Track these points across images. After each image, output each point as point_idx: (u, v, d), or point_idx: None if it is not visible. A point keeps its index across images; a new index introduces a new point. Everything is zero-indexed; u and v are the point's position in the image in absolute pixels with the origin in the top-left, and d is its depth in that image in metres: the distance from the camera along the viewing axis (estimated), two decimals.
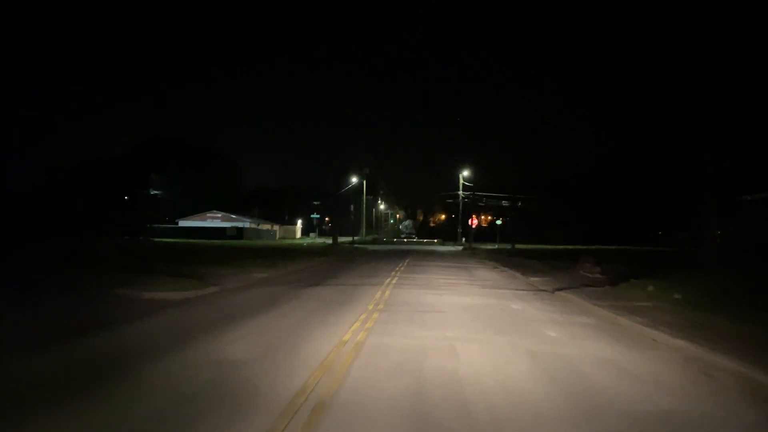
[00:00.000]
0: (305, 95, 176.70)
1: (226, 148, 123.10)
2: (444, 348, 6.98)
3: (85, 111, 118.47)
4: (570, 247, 49.82)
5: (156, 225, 61.24)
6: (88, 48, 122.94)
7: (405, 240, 77.52)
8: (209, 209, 70.60)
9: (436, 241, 71.11)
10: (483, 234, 64.32)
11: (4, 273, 15.16)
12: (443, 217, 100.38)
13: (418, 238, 79.58)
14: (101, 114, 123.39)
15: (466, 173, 60.07)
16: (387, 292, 13.08)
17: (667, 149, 78.48)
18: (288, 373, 5.65)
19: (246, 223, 69.04)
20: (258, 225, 71.70)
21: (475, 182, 60.63)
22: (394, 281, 16.17)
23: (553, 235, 63.90)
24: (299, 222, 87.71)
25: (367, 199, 72.15)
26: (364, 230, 74.02)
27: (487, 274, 21.01)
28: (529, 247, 47.07)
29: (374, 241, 67.82)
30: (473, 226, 55.66)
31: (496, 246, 49.53)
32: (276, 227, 77.56)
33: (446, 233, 77.24)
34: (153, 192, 68.95)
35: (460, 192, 60.57)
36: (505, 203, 67.10)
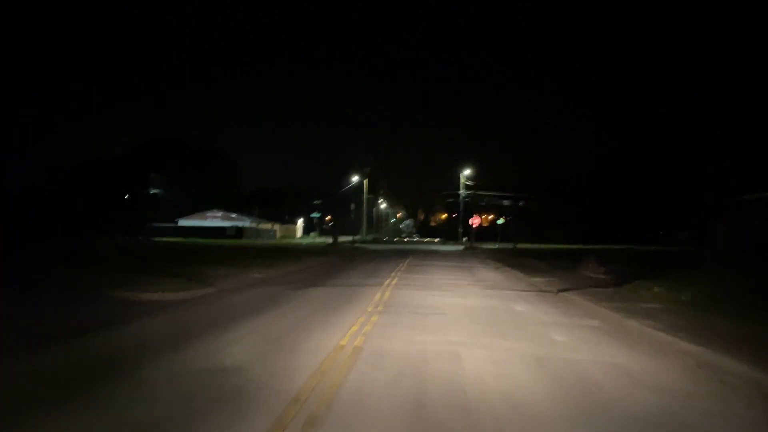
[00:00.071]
0: (305, 95, 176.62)
1: (226, 148, 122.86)
2: (446, 354, 6.63)
3: (85, 111, 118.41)
4: (571, 246, 49.49)
5: (156, 224, 60.95)
6: (88, 48, 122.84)
7: (406, 239, 77.27)
8: (209, 209, 70.29)
9: (437, 240, 70.84)
10: (484, 233, 64.00)
11: (2, 273, 14.94)
12: (444, 216, 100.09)
13: (419, 238, 79.33)
14: (101, 114, 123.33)
15: (467, 172, 59.71)
16: (387, 294, 12.75)
17: (667, 149, 78.23)
18: (281, 381, 5.32)
19: (246, 223, 68.73)
20: (258, 224, 71.39)
21: (476, 182, 60.35)
22: (394, 282, 15.83)
23: (553, 235, 63.63)
24: (299, 221, 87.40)
25: (367, 198, 71.73)
26: (364, 230, 73.59)
27: (489, 274, 20.67)
28: (531, 246, 46.74)
29: (375, 241, 67.49)
30: (474, 226, 55.33)
31: (497, 245, 49.20)
32: (276, 227, 77.25)
33: (447, 233, 76.99)
34: (153, 191, 68.84)
35: (461, 191, 60.20)
36: (506, 202, 66.81)
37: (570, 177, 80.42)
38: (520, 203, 61.98)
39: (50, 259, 20.09)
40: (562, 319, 9.78)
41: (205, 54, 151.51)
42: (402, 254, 33.98)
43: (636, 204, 72.83)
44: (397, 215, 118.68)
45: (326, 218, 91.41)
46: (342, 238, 55.44)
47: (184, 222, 68.09)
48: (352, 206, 68.90)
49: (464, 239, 59.37)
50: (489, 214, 76.22)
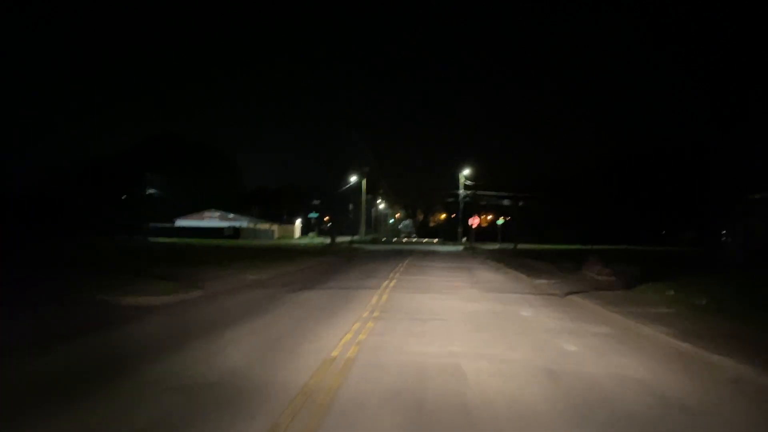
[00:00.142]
0: (305, 95, 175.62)
1: (226, 147, 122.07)
2: (448, 368, 5.98)
3: (85, 111, 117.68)
4: (572, 247, 48.85)
5: (153, 225, 60.38)
6: (88, 48, 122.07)
7: (405, 240, 76.56)
8: (207, 209, 69.66)
9: (436, 240, 70.17)
10: (483, 234, 63.35)
11: None
12: (443, 216, 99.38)
13: (418, 238, 78.67)
14: (101, 114, 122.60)
15: (466, 172, 59.07)
16: (384, 297, 12.10)
17: (668, 149, 77.83)
18: (258, 404, 4.67)
19: (244, 223, 68.06)
20: (255, 225, 70.71)
21: (476, 182, 59.71)
22: (392, 284, 15.19)
23: (553, 235, 63.02)
24: (298, 221, 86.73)
25: (366, 198, 71.19)
26: (363, 230, 72.94)
27: (490, 275, 20.03)
28: (531, 247, 46.08)
29: (373, 241, 66.81)
30: (474, 226, 54.67)
31: (498, 246, 48.54)
32: (274, 227, 76.56)
33: (446, 233, 76.28)
34: (149, 191, 68.15)
35: (461, 191, 59.55)
36: (506, 202, 66.09)
37: (570, 177, 79.93)
38: (520, 203, 61.29)
39: (44, 260, 19.65)
40: (571, 326, 9.14)
41: (205, 54, 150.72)
42: (401, 255, 33.32)
43: (637, 204, 72.33)
44: (396, 215, 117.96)
45: (325, 218, 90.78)
46: (340, 239, 54.78)
47: (181, 222, 67.43)
48: (351, 206, 68.19)
49: (464, 239, 58.72)
50: (488, 215, 75.61)
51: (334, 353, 6.50)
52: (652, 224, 71.46)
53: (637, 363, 6.59)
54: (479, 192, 61.20)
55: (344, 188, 64.03)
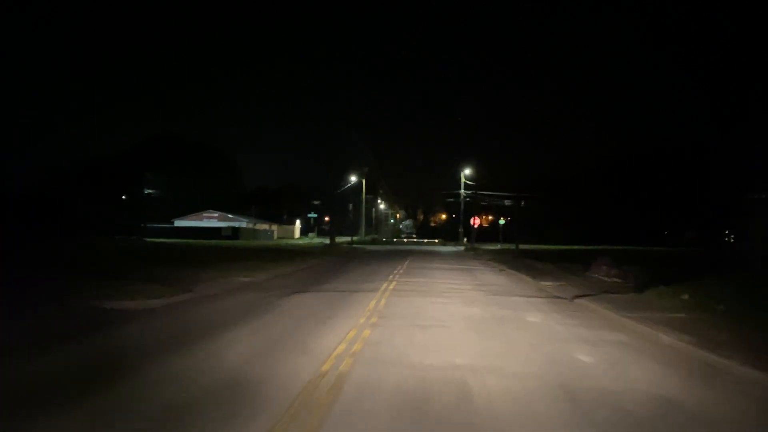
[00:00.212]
0: (305, 95, 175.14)
1: (226, 147, 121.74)
2: (453, 385, 5.32)
3: (85, 111, 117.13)
4: (574, 247, 48.24)
5: (151, 225, 59.79)
6: (88, 48, 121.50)
7: (405, 240, 75.90)
8: (206, 209, 69.03)
9: (437, 241, 69.52)
10: (484, 234, 62.70)
11: None
12: (444, 216, 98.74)
13: (419, 238, 77.98)
14: (101, 114, 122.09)
15: (467, 171, 58.36)
16: (383, 301, 11.43)
17: (668, 149, 77.30)
18: (238, 428, 4.02)
19: (242, 223, 67.41)
20: (255, 225, 70.06)
21: (476, 182, 59.02)
22: (391, 286, 14.53)
23: (554, 236, 62.39)
24: (298, 222, 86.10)
25: (366, 198, 70.58)
26: (363, 230, 72.32)
27: (493, 277, 19.37)
28: (533, 247, 45.39)
29: (374, 241, 66.19)
30: (475, 226, 54.00)
31: (499, 246, 47.89)
32: (274, 227, 75.92)
33: (447, 233, 75.66)
34: (147, 191, 67.57)
35: (462, 191, 58.84)
36: (507, 202, 65.34)
37: (570, 177, 79.43)
38: (522, 203, 60.57)
39: (38, 260, 19.06)
40: (583, 333, 8.48)
41: (205, 54, 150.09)
42: (401, 255, 32.67)
43: (637, 204, 71.83)
44: (397, 215, 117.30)
45: (325, 218, 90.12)
46: (340, 239, 54.17)
47: (180, 222, 66.80)
48: (351, 206, 67.51)
49: (465, 240, 58.06)
50: (489, 215, 74.94)
51: (325, 367, 5.83)
52: (652, 224, 70.93)
53: (661, 377, 5.93)
54: (480, 192, 60.50)
55: (344, 188, 63.37)
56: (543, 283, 16.95)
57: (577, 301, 12.48)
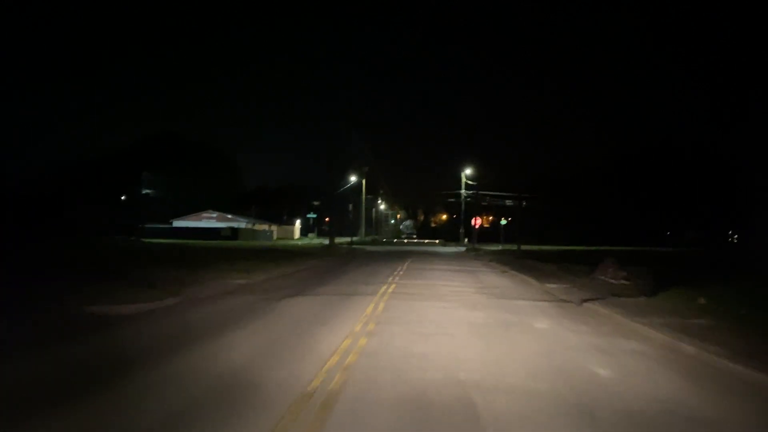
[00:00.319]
0: (305, 95, 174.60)
1: (225, 147, 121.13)
2: (458, 407, 4.68)
3: (85, 110, 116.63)
4: (576, 248, 47.62)
5: (149, 225, 59.22)
6: (88, 48, 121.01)
7: (405, 240, 75.26)
8: (205, 209, 68.45)
9: (437, 241, 68.90)
10: (485, 234, 62.04)
11: None
12: (445, 217, 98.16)
13: (419, 239, 77.36)
14: (101, 114, 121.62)
15: (468, 171, 57.67)
16: (381, 305, 10.81)
17: (669, 148, 76.70)
18: None
19: (242, 224, 66.81)
20: (254, 225, 69.44)
21: (477, 182, 58.37)
22: (390, 289, 13.90)
23: (554, 236, 61.77)
24: (297, 222, 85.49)
25: (366, 198, 69.93)
26: (363, 230, 71.66)
27: (496, 279, 18.74)
28: (535, 248, 44.75)
29: (374, 242, 65.56)
30: (476, 227, 53.35)
31: (500, 247, 47.22)
32: (273, 227, 75.32)
33: (448, 233, 75.08)
34: (145, 191, 66.96)
35: (463, 191, 58.17)
36: (509, 202, 64.70)
37: (571, 177, 78.93)
38: (524, 203, 59.95)
39: (32, 262, 18.49)
40: (597, 341, 7.85)
41: (205, 54, 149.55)
42: (401, 256, 32.04)
43: (639, 204, 71.25)
44: (397, 216, 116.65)
45: (325, 219, 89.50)
46: (340, 239, 53.54)
47: (178, 223, 66.24)
48: (350, 207, 66.89)
49: (466, 240, 57.42)
50: (490, 215, 74.32)
51: (315, 383, 5.21)
52: (653, 224, 70.43)
53: (690, 394, 5.31)
54: (481, 192, 59.84)
55: (344, 188, 62.70)
56: (548, 285, 16.33)
57: (585, 305, 11.84)
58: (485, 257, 33.47)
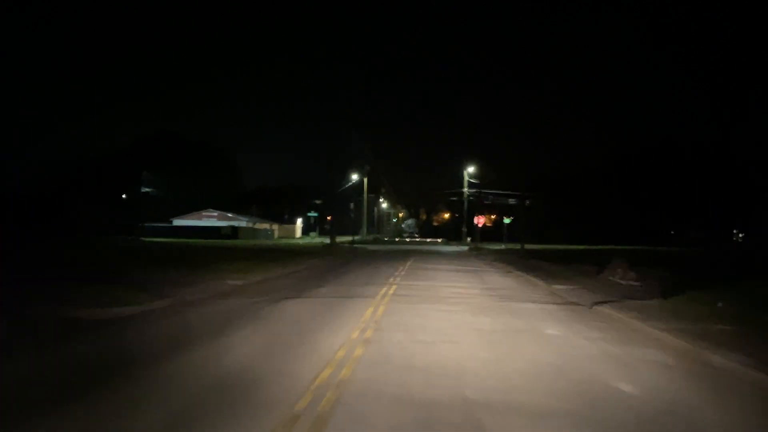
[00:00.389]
0: (305, 95, 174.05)
1: (226, 147, 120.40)
2: (467, 428, 4.08)
3: (84, 110, 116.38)
4: (579, 247, 46.98)
5: (149, 224, 58.73)
6: (88, 48, 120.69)
7: (407, 240, 74.67)
8: (205, 208, 67.95)
9: (440, 240, 68.29)
10: (488, 233, 61.33)
11: None
12: (447, 216, 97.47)
13: (421, 238, 76.77)
14: (101, 114, 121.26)
15: (470, 170, 57.00)
16: (381, 309, 10.19)
17: (671, 147, 75.97)
18: None
19: (242, 223, 66.29)
20: (254, 224, 68.92)
21: (479, 180, 57.72)
22: (391, 291, 13.29)
23: (554, 235, 61.04)
24: (299, 221, 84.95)
25: (368, 197, 69.34)
26: (365, 229, 71.05)
27: (501, 280, 18.11)
28: (539, 247, 44.07)
29: (375, 241, 64.94)
30: (479, 225, 52.72)
31: (503, 246, 46.60)
32: (274, 226, 74.78)
33: (450, 232, 74.45)
34: (144, 190, 66.44)
35: (465, 189, 57.53)
36: (511, 201, 64.04)
37: (571, 176, 78.33)
38: (527, 202, 59.34)
39: (27, 262, 17.97)
40: (614, 350, 7.23)
41: (205, 54, 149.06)
42: (402, 256, 31.42)
43: (640, 203, 70.52)
44: (399, 215, 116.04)
45: (327, 218, 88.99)
46: (341, 238, 52.96)
47: (179, 222, 65.78)
48: (352, 206, 66.31)
49: (468, 239, 56.79)
50: (492, 214, 73.64)
51: (302, 404, 4.60)
52: (655, 223, 69.63)
53: (732, 419, 4.68)
54: (484, 190, 59.17)
55: (345, 187, 62.09)
56: (555, 286, 15.70)
57: (597, 308, 11.22)
58: (488, 257, 32.86)
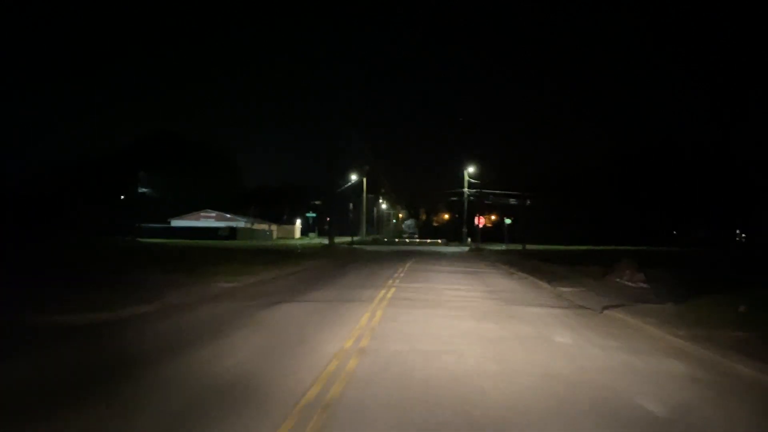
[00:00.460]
0: (305, 95, 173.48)
1: (225, 147, 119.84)
2: None
3: (84, 110, 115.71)
4: (580, 248, 46.34)
5: (146, 225, 58.13)
6: (88, 48, 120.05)
7: (407, 240, 74.02)
8: (204, 209, 67.32)
9: (440, 241, 67.66)
10: (488, 234, 60.72)
11: None
12: (447, 216, 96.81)
13: (421, 238, 76.11)
14: (101, 114, 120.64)
15: (471, 169, 56.41)
16: (378, 314, 9.55)
17: (672, 147, 75.47)
18: None
19: (240, 223, 65.67)
20: (253, 225, 68.29)
21: (480, 180, 57.13)
22: (390, 294, 12.65)
23: (555, 236, 60.44)
24: (298, 221, 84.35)
25: (368, 198, 68.76)
26: (364, 230, 70.49)
27: (504, 282, 17.48)
28: (540, 248, 43.47)
29: (375, 242, 64.36)
30: (480, 226, 52.12)
31: (504, 247, 45.97)
32: (273, 227, 74.16)
33: (450, 233, 73.84)
34: (141, 190, 65.83)
35: (465, 189, 56.91)
36: (512, 201, 63.44)
37: (572, 176, 77.79)
38: (528, 202, 58.75)
39: (21, 263, 17.48)
40: (632, 361, 6.58)
41: (205, 54, 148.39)
42: (402, 256, 30.78)
43: (641, 203, 70.01)
44: (399, 215, 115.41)
45: (326, 218, 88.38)
46: (341, 239, 52.39)
47: (176, 222, 65.20)
48: (351, 206, 65.69)
49: (468, 240, 56.19)
50: (492, 214, 73.02)
51: (286, 426, 3.96)
52: (654, 224, 69.08)
53: None
54: (485, 190, 58.54)
55: (345, 187, 61.51)
56: (561, 288, 15.07)
57: (607, 312, 10.58)
58: (490, 257, 32.24)
